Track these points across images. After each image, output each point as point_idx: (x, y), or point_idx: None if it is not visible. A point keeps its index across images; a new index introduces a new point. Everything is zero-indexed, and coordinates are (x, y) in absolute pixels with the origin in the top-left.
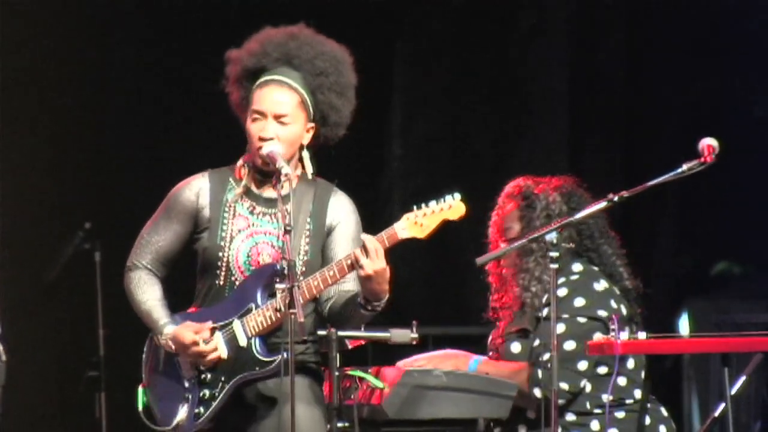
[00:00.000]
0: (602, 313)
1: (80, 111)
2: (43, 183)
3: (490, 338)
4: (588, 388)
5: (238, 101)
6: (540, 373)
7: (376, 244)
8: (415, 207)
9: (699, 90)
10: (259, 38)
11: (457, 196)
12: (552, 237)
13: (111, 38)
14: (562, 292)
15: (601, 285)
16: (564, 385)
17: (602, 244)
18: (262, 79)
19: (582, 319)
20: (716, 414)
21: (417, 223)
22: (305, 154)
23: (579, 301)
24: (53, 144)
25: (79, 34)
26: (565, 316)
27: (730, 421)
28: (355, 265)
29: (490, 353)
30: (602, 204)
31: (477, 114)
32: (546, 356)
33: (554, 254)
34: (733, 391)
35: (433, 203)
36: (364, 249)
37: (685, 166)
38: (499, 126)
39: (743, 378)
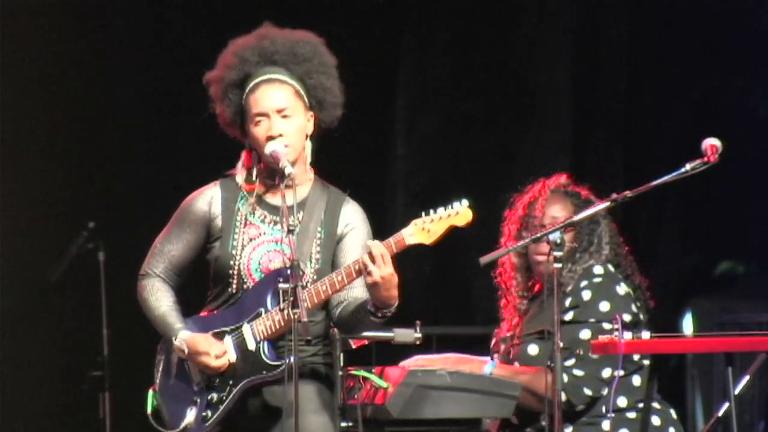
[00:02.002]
0: (626, 317)
1: (83, 110)
2: (46, 183)
3: (493, 341)
4: (605, 391)
5: (230, 118)
6: (566, 377)
7: (382, 249)
8: (423, 213)
9: (701, 90)
10: (230, 51)
11: (465, 202)
12: (556, 237)
13: (114, 38)
14: (586, 295)
15: (622, 288)
16: (588, 392)
17: (615, 246)
18: (251, 84)
19: (607, 325)
20: (720, 414)
21: (424, 229)
22: (308, 145)
23: (604, 306)
24: (56, 143)
25: (81, 34)
26: (592, 320)
27: (733, 420)
28: (362, 271)
29: (495, 355)
30: (606, 204)
31: (480, 113)
32: (570, 361)
33: (558, 254)
34: (737, 391)
35: (441, 209)
36: (371, 255)
37: (688, 166)
38: (502, 125)
39: (747, 377)
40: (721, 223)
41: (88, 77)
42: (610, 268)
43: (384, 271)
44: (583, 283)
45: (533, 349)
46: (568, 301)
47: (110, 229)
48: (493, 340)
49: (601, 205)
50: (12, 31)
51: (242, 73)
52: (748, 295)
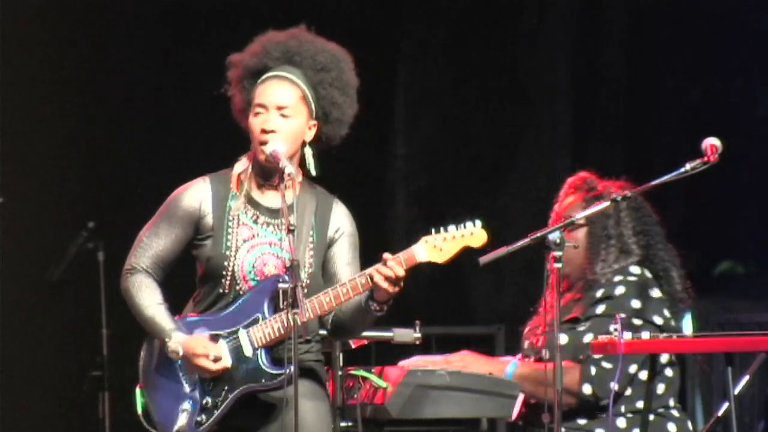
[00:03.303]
0: (657, 319)
1: (83, 110)
2: (46, 182)
3: (527, 328)
4: (628, 391)
5: (241, 105)
6: (593, 370)
7: (399, 270)
8: (433, 230)
9: (701, 90)
10: (260, 40)
11: (479, 223)
12: (555, 236)
13: (113, 38)
14: (620, 290)
15: (656, 293)
16: (615, 386)
17: (660, 250)
18: (263, 77)
19: (638, 321)
20: (719, 413)
21: (436, 247)
22: (308, 151)
23: (635, 303)
24: (56, 143)
25: (81, 34)
26: (622, 315)
27: (733, 420)
28: (368, 284)
29: (526, 343)
30: (605, 204)
31: (480, 113)
32: (599, 354)
33: (558, 254)
34: (737, 391)
35: (452, 228)
36: (393, 278)
37: (688, 166)
38: (502, 125)
39: (747, 377)
40: (721, 223)
41: (88, 77)
42: (647, 273)
43: (399, 285)
44: (618, 278)
45: (562, 339)
46: (599, 293)
47: (110, 229)
48: (527, 327)
49: (601, 205)
50: (12, 31)
51: (261, 65)
52: (748, 295)
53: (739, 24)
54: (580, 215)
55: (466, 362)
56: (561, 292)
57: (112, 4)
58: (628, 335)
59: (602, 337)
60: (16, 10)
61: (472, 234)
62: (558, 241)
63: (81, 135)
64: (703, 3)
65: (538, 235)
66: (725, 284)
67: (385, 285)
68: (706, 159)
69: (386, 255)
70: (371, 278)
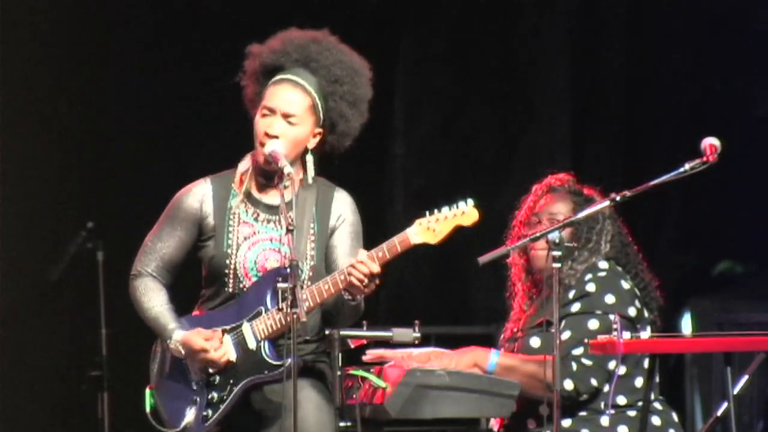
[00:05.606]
0: (631, 311)
1: (82, 110)
2: (45, 182)
3: (501, 336)
4: (606, 387)
5: (252, 96)
6: (574, 366)
7: (372, 267)
8: (427, 213)
9: (701, 90)
10: (282, 36)
11: (470, 202)
12: (555, 236)
13: (113, 38)
14: (591, 287)
15: (627, 284)
16: (594, 382)
17: (628, 248)
18: (277, 77)
19: (612, 317)
20: (719, 413)
21: (429, 228)
22: (309, 158)
23: (609, 298)
24: (56, 143)
25: (81, 34)
26: (598, 312)
27: (732, 420)
28: (356, 282)
29: (502, 350)
30: (605, 203)
31: (479, 114)
32: (579, 350)
33: (557, 253)
34: (736, 391)
35: (445, 209)
36: (367, 274)
37: (687, 166)
38: (501, 126)
39: (746, 377)
40: (721, 223)
41: (89, 77)
42: (616, 264)
43: (374, 282)
44: (588, 277)
45: (535, 342)
46: (571, 294)
47: (109, 230)
48: (502, 335)
49: (600, 205)
50: (12, 32)
51: (278, 63)
52: (747, 294)
53: (739, 24)
54: (581, 215)
55: (451, 358)
56: (532, 297)
57: (112, 4)
58: (627, 335)
59: (601, 337)
60: (16, 9)
61: (464, 213)
62: (557, 240)
63: (81, 135)
64: (703, 3)
65: (538, 234)
66: (724, 284)
67: (359, 285)
68: (705, 159)
69: (361, 251)
70: (349, 275)
